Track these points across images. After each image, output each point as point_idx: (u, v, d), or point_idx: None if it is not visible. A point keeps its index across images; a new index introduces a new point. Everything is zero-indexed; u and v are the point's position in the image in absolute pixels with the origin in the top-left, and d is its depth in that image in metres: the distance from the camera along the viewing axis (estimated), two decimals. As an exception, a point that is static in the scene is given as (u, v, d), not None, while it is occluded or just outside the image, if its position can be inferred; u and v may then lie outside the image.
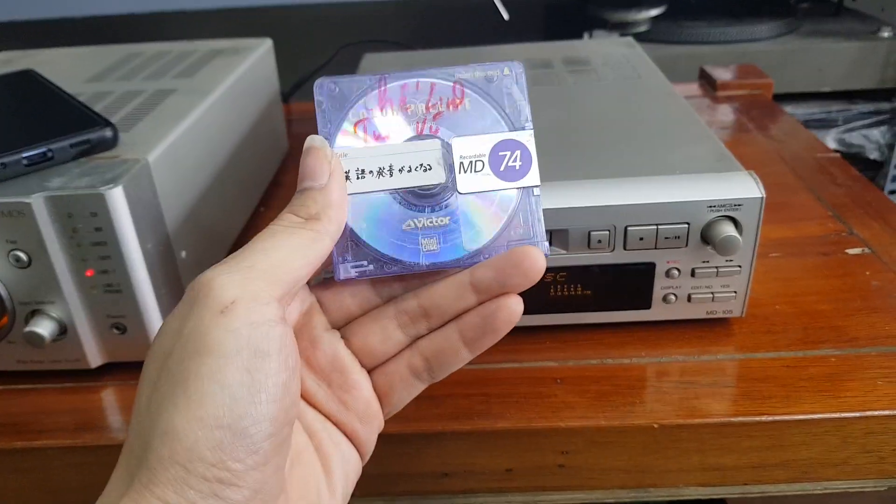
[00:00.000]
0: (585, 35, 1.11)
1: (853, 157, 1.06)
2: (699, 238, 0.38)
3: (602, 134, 0.46)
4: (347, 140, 0.28)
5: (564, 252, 0.39)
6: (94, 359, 0.40)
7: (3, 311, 0.38)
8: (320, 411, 0.28)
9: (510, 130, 0.29)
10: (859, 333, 0.40)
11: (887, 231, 0.50)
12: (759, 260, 0.39)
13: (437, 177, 0.28)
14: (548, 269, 0.30)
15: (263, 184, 0.62)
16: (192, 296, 0.23)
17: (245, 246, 0.25)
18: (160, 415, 0.22)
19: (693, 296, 0.40)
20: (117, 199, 0.36)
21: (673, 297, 0.40)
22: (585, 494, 0.38)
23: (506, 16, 0.83)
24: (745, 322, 0.42)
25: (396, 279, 0.29)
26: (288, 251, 0.25)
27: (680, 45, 1.07)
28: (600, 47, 0.65)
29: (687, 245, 0.38)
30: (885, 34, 1.05)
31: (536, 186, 0.29)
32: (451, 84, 0.28)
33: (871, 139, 1.06)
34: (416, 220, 0.28)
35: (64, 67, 0.57)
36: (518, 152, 0.29)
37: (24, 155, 0.37)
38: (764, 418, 0.35)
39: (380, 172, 0.28)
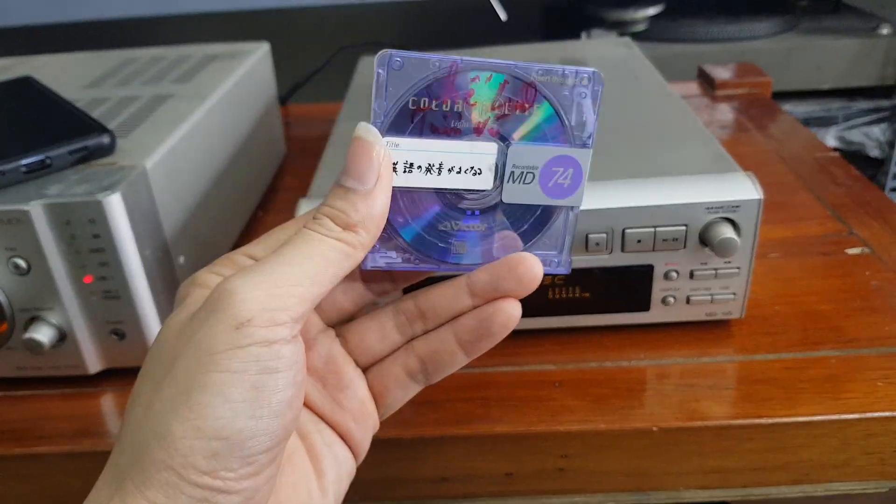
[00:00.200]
0: (583, 34, 1.10)
1: (853, 155, 1.06)
2: (697, 240, 0.38)
3: (599, 135, 0.45)
4: (401, 124, 0.26)
5: (563, 255, 0.39)
6: (94, 365, 0.40)
7: (2, 318, 0.38)
8: (314, 411, 0.28)
9: (571, 146, 0.27)
10: (859, 334, 0.40)
11: (887, 231, 0.50)
12: (758, 260, 0.39)
13: (485, 182, 0.27)
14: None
15: (261, 188, 0.62)
16: (211, 302, 0.23)
17: (278, 252, 0.24)
18: (159, 418, 0.22)
19: (692, 298, 0.40)
20: (115, 205, 0.36)
21: (672, 299, 0.40)
22: (585, 498, 0.38)
23: (503, 16, 0.83)
24: (745, 323, 0.42)
25: (387, 276, 0.29)
26: (320, 265, 0.24)
27: (678, 43, 1.07)
28: (597, 48, 0.65)
29: (685, 247, 0.38)
30: (885, 31, 1.05)
31: (578, 207, 0.28)
32: (524, 85, 0.26)
33: (871, 136, 1.06)
34: (454, 223, 0.27)
35: (61, 73, 0.57)
36: (571, 170, 0.27)
37: (23, 162, 0.38)
38: (764, 420, 0.35)
39: (428, 169, 0.26)
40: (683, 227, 0.37)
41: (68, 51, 0.64)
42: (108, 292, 0.38)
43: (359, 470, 0.29)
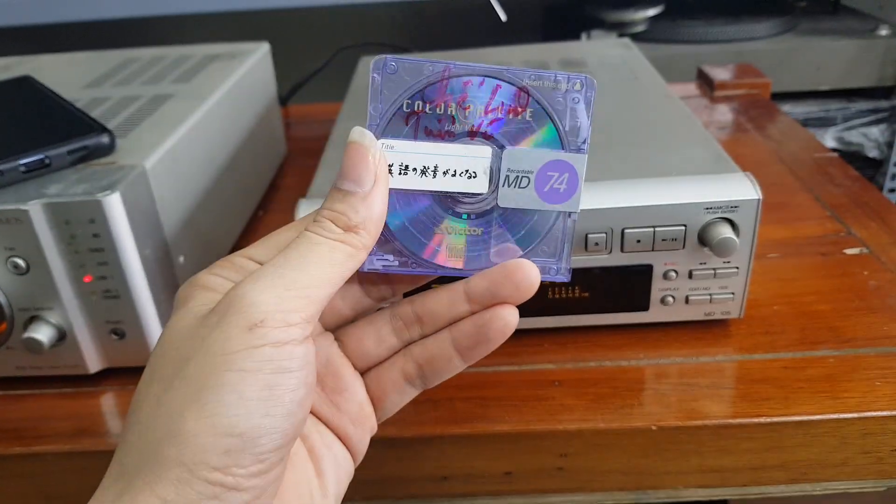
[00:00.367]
0: (583, 35, 1.11)
1: (852, 156, 1.06)
2: (696, 240, 0.38)
3: (598, 136, 0.45)
4: (397, 127, 0.26)
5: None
6: (93, 364, 0.40)
7: (1, 318, 0.38)
8: (314, 413, 0.28)
9: (566, 151, 0.27)
10: (857, 334, 0.40)
11: (885, 231, 0.50)
12: (757, 260, 0.39)
13: (480, 186, 0.27)
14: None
15: (262, 188, 0.62)
16: (223, 307, 0.23)
17: (283, 255, 0.24)
18: (171, 416, 0.22)
19: (691, 297, 0.40)
20: (114, 205, 0.36)
21: (671, 298, 0.40)
22: (585, 497, 0.38)
23: (503, 17, 0.83)
24: (744, 323, 0.42)
25: (386, 282, 0.29)
26: (326, 266, 0.24)
27: (678, 44, 1.07)
28: (597, 49, 0.65)
29: (684, 247, 0.38)
30: (883, 32, 1.05)
31: (575, 213, 0.28)
32: (517, 90, 0.27)
33: (870, 137, 1.06)
34: (450, 226, 0.27)
35: (61, 73, 0.57)
36: (566, 175, 0.27)
37: (22, 162, 0.38)
38: (762, 420, 0.35)
39: (423, 171, 0.27)
40: (682, 227, 0.37)
41: (68, 51, 0.64)
42: (107, 292, 0.38)
43: (358, 469, 0.29)
